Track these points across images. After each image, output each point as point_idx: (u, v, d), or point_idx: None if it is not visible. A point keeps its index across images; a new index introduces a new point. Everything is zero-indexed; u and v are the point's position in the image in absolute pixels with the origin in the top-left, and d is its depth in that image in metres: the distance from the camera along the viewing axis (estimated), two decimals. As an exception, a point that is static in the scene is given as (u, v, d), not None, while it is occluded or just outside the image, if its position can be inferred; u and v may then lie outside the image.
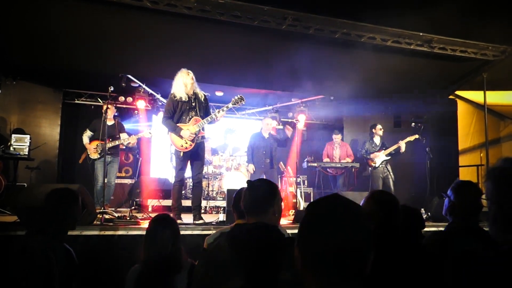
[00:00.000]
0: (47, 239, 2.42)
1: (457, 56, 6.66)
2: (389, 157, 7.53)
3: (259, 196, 2.12)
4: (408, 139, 7.46)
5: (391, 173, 7.48)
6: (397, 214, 2.07)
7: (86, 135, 6.64)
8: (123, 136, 6.70)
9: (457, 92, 8.57)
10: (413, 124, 7.82)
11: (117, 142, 6.59)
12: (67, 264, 2.44)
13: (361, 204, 2.11)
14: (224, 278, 1.65)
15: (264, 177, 6.37)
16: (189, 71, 5.06)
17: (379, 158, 7.50)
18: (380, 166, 7.49)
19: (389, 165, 7.53)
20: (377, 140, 7.74)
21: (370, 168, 7.65)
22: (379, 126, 7.78)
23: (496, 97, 8.01)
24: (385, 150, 7.54)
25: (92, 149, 6.50)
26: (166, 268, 2.41)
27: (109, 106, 6.47)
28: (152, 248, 2.46)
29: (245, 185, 2.20)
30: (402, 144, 7.43)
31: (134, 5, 5.10)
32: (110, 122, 6.57)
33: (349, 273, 0.97)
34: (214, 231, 4.32)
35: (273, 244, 1.72)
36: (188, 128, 4.98)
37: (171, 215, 3.72)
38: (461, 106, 8.80)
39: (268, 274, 1.63)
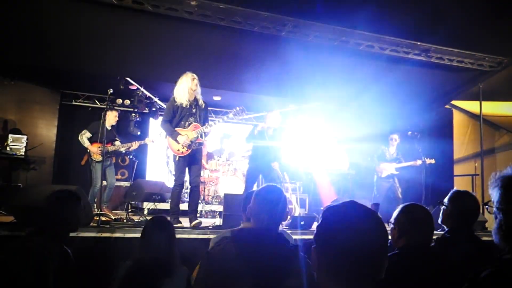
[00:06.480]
0: (45, 240, 2.40)
1: (454, 66, 6.73)
2: (397, 172, 7.36)
3: (279, 205, 2.02)
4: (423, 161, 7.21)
5: (398, 183, 7.33)
6: (428, 230, 2.09)
7: (85, 136, 6.39)
8: (117, 143, 6.67)
9: (453, 102, 8.65)
10: (409, 133, 7.82)
11: (120, 147, 6.58)
12: (63, 264, 2.43)
13: (394, 216, 2.14)
14: (229, 282, 1.66)
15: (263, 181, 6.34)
16: (194, 76, 4.97)
17: (388, 171, 7.31)
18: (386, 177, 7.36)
19: (395, 176, 7.39)
20: (392, 150, 7.50)
21: (375, 176, 7.52)
22: (394, 136, 7.48)
23: (492, 108, 8.08)
24: (398, 163, 7.35)
25: (98, 151, 6.27)
26: (157, 270, 2.40)
27: (114, 112, 6.60)
28: (146, 248, 2.46)
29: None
30: (418, 163, 7.24)
31: (135, 8, 5.12)
32: (109, 126, 6.56)
33: (364, 277, 1.00)
34: (211, 236, 4.34)
35: (280, 251, 1.73)
36: (187, 134, 4.94)
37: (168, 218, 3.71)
38: (456, 116, 8.87)
39: (274, 280, 1.64)
